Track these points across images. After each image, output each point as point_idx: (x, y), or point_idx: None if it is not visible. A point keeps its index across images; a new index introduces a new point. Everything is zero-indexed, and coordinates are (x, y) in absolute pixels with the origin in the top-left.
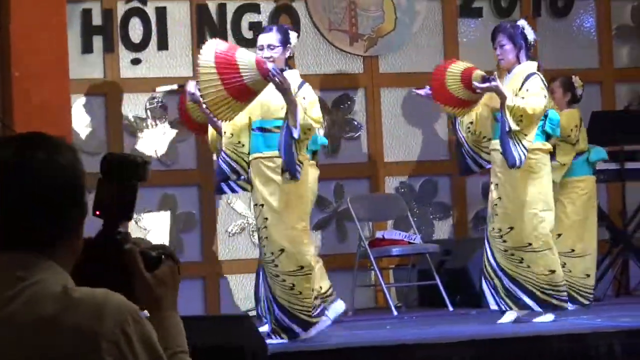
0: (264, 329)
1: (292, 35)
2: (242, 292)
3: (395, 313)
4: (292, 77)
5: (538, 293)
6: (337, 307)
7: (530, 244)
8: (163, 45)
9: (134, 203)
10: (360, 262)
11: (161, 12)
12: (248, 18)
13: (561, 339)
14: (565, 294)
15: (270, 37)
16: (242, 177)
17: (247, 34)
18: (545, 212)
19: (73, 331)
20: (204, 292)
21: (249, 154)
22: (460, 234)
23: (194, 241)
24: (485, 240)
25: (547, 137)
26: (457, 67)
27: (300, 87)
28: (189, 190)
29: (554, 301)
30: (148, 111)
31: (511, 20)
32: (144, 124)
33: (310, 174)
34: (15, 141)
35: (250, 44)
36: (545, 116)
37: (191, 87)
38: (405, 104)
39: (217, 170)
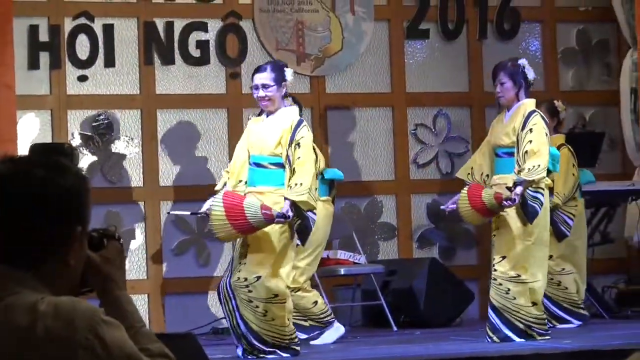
0: None
1: (288, 72)
2: (186, 310)
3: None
4: (291, 114)
5: (520, 325)
6: (326, 337)
7: (518, 275)
8: (110, 62)
9: None
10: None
11: (108, 29)
12: (195, 36)
13: None
14: (545, 328)
15: (264, 77)
16: None
17: (195, 52)
18: (538, 245)
19: (47, 341)
20: (149, 310)
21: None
22: (405, 254)
23: (138, 259)
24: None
25: (547, 172)
26: (489, 191)
27: (298, 126)
28: (134, 208)
29: (534, 334)
30: (94, 128)
31: (513, 59)
32: (90, 141)
33: (321, 211)
34: (20, 158)
35: (198, 62)
36: None
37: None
38: (351, 124)
39: None
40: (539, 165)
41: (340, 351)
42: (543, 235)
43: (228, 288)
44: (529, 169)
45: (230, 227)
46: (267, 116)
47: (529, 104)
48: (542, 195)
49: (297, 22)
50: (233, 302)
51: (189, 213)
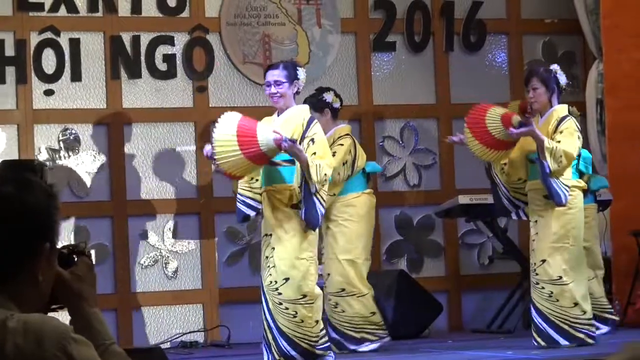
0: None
1: (300, 71)
2: (155, 325)
3: None
4: (302, 112)
5: (565, 327)
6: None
7: (560, 277)
8: (76, 76)
9: None
10: None
11: (75, 44)
12: (162, 50)
13: None
14: (592, 328)
15: (276, 74)
16: (261, 210)
17: (162, 66)
18: (575, 246)
19: (17, 359)
20: (117, 324)
21: (262, 187)
22: (373, 267)
23: (106, 273)
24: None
25: (580, 174)
26: (496, 111)
27: (309, 124)
28: (102, 222)
29: (580, 334)
30: (61, 142)
31: (544, 64)
32: (57, 155)
33: (366, 202)
34: None
35: (164, 75)
36: (579, 156)
37: (207, 149)
38: None
39: (236, 210)
40: (561, 156)
41: None
42: (579, 237)
43: (262, 292)
44: (555, 146)
45: (240, 153)
46: (278, 115)
47: (561, 109)
48: (567, 191)
49: (264, 36)
50: (266, 306)
51: (194, 148)
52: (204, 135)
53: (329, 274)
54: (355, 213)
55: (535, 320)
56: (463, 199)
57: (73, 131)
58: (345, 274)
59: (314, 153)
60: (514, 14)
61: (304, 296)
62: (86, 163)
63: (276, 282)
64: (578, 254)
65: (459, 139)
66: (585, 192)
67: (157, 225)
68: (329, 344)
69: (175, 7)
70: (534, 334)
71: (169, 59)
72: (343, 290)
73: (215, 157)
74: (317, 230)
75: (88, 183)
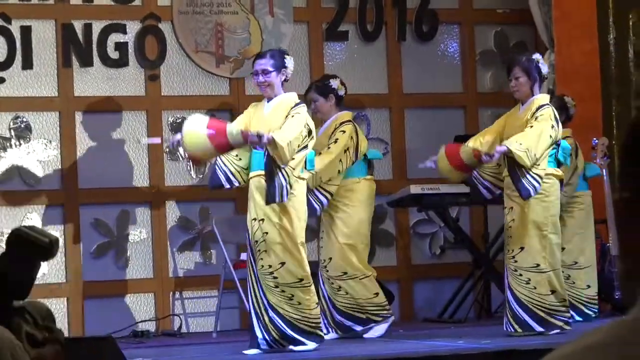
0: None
1: (288, 59)
2: (106, 314)
3: None
4: (290, 98)
5: (541, 314)
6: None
7: (537, 265)
8: (28, 64)
9: (32, 282)
10: (224, 283)
11: (26, 31)
12: (114, 38)
13: None
14: (567, 314)
15: (263, 63)
16: (236, 186)
17: (113, 54)
18: (553, 234)
19: None
20: (68, 314)
21: (247, 168)
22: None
23: (57, 262)
24: (505, 267)
25: (558, 164)
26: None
27: (295, 106)
28: (53, 211)
29: (556, 321)
30: (12, 130)
31: (527, 54)
32: (8, 144)
33: (366, 188)
34: None
35: (116, 64)
36: (558, 145)
37: (175, 139)
38: None
39: (210, 176)
40: (527, 148)
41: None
42: (557, 224)
43: (252, 275)
44: (519, 142)
45: (210, 145)
46: (268, 102)
47: (541, 98)
48: (539, 183)
49: (216, 24)
50: (259, 289)
51: (158, 140)
52: (155, 124)
53: (330, 258)
54: (356, 198)
55: (512, 306)
56: (415, 189)
57: (24, 119)
58: (347, 257)
59: (292, 116)
60: (466, 4)
61: (301, 280)
62: (37, 151)
63: (270, 266)
64: (556, 242)
65: (429, 166)
66: (562, 181)
67: (108, 214)
68: (322, 325)
69: None
70: (510, 320)
71: (120, 47)
72: (345, 273)
73: (185, 147)
74: (306, 212)
75: (39, 172)
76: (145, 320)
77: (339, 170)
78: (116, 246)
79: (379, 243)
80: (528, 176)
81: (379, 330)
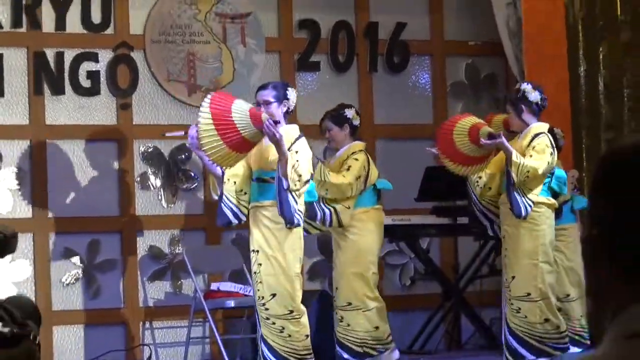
0: None
1: (290, 90)
2: (75, 343)
3: None
4: (290, 131)
5: (533, 342)
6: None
7: (528, 294)
8: None
9: None
10: (195, 313)
11: None
12: (86, 67)
13: None
14: (562, 341)
15: (265, 94)
16: (244, 221)
17: (85, 83)
18: (545, 263)
19: None
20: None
21: (249, 202)
22: None
23: (27, 291)
24: (502, 296)
25: (553, 194)
26: (465, 123)
27: (296, 140)
28: (23, 239)
29: (548, 349)
30: None
31: (516, 86)
32: None
33: (376, 217)
34: None
35: (88, 92)
36: (552, 174)
37: (193, 131)
38: None
39: (219, 213)
40: (528, 171)
41: None
42: (548, 253)
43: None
44: (522, 161)
45: (222, 143)
46: None
47: (536, 127)
48: (530, 207)
49: (189, 54)
50: (257, 320)
51: (182, 133)
52: (126, 153)
53: (337, 288)
54: (365, 227)
55: (506, 336)
56: (385, 220)
57: None
58: (353, 287)
59: (297, 161)
60: (437, 35)
61: (291, 312)
62: (8, 179)
63: (263, 297)
64: (548, 271)
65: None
66: (557, 211)
67: (79, 242)
68: (311, 357)
69: (100, 23)
70: (505, 350)
71: (92, 75)
72: (350, 304)
73: (204, 150)
74: (302, 246)
75: (9, 200)
76: (115, 350)
77: (347, 196)
78: (86, 275)
79: None
80: (524, 197)
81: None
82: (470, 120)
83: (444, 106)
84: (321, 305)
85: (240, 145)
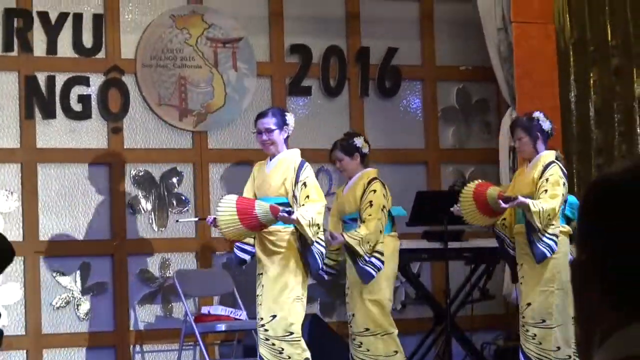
0: None
1: (289, 116)
2: None
3: None
4: (293, 156)
5: None
6: None
7: (543, 321)
8: None
9: None
10: (185, 337)
11: None
12: (77, 91)
13: None
14: None
15: (266, 122)
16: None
17: (76, 107)
18: (560, 290)
19: None
20: None
21: None
22: None
23: (17, 314)
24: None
25: (567, 220)
26: (467, 192)
27: (300, 168)
28: (14, 261)
29: None
30: None
31: (528, 114)
32: None
33: (391, 244)
34: None
35: (79, 116)
36: (565, 201)
37: (211, 219)
38: (231, 179)
39: (234, 257)
40: (548, 215)
41: None
42: (565, 281)
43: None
44: (541, 208)
45: (240, 225)
46: (270, 159)
47: (547, 155)
48: (555, 242)
49: (180, 78)
50: (257, 342)
51: (196, 219)
52: (117, 177)
53: (353, 314)
54: None
55: None
56: None
57: None
58: (370, 313)
59: (307, 196)
60: (429, 60)
61: (290, 333)
62: None
63: (262, 318)
64: (563, 298)
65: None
66: (571, 237)
67: (69, 266)
68: None
69: (91, 47)
70: None
71: (84, 99)
72: (367, 329)
73: (220, 228)
74: (305, 269)
75: (0, 223)
76: None
77: (380, 230)
78: (77, 298)
79: (340, 297)
80: (544, 238)
81: None
82: (471, 189)
83: (435, 131)
84: (312, 328)
85: (255, 226)
